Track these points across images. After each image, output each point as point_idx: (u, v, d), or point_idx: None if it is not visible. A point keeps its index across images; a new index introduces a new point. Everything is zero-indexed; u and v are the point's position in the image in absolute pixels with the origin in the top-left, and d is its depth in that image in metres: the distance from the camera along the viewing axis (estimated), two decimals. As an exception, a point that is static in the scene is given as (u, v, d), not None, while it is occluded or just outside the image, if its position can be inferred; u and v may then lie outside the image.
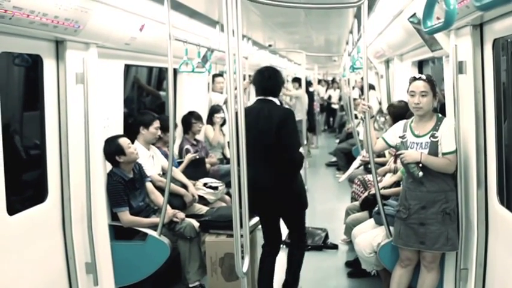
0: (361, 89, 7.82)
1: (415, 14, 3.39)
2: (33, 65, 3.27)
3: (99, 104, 3.52)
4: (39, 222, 3.10)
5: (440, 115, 3.23)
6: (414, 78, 3.20)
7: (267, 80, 3.61)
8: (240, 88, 2.30)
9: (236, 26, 2.22)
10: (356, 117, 7.50)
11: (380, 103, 7.06)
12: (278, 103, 3.62)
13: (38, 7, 2.53)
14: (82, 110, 3.28)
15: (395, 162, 3.61)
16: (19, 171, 3.69)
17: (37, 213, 3.09)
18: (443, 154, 3.09)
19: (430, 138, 3.13)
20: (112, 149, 3.73)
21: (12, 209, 2.82)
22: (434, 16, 1.26)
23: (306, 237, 4.05)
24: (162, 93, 6.72)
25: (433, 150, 3.10)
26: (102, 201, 3.58)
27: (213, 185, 4.73)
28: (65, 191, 3.28)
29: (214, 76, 6.53)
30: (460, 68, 2.98)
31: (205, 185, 4.70)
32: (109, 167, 3.80)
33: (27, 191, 3.62)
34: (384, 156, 5.10)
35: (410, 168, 3.12)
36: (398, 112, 4.16)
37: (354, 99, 8.18)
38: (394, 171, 4.24)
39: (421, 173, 3.07)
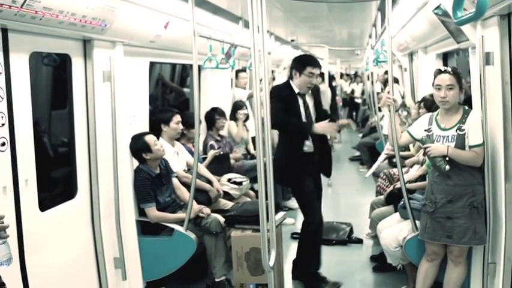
0: (384, 82, 7.75)
1: (440, 5, 3.35)
2: (61, 64, 3.34)
3: (126, 102, 3.58)
4: (69, 218, 3.18)
5: (466, 107, 3.19)
6: (440, 71, 3.16)
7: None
8: (266, 83, 2.31)
9: (261, 22, 2.22)
10: (380, 110, 7.44)
11: (403, 97, 6.99)
12: (291, 83, 3.98)
13: (67, 7, 2.59)
14: (109, 107, 3.34)
15: (424, 154, 3.59)
16: (50, 168, 3.76)
17: (67, 209, 3.16)
18: (470, 147, 3.06)
19: (456, 131, 3.09)
20: (138, 146, 3.78)
21: (44, 205, 2.89)
22: (463, 6, 1.25)
23: (308, 224, 4.01)
24: (185, 89, 6.77)
25: (460, 143, 3.07)
26: (129, 197, 3.64)
27: (237, 180, 4.75)
28: (93, 188, 3.36)
29: (238, 72, 6.55)
30: (487, 59, 2.94)
31: (229, 180, 4.73)
32: (135, 163, 3.86)
33: (57, 188, 3.70)
34: (409, 149, 5.06)
35: (436, 161, 3.09)
36: (432, 105, 4.07)
37: (377, 93, 8.11)
38: (422, 163, 4.21)
39: (447, 167, 3.04)
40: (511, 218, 2.95)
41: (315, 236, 4.03)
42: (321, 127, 3.86)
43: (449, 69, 3.15)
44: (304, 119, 3.93)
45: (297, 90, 3.93)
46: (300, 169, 3.91)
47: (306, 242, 4.09)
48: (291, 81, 3.97)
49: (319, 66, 3.99)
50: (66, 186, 3.39)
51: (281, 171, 3.65)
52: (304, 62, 3.93)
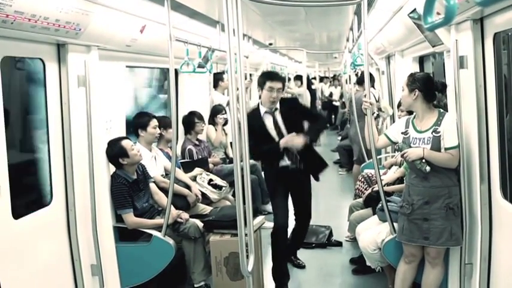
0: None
1: (415, 9, 3.39)
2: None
3: (101, 106, 3.53)
4: (44, 225, 3.11)
5: (442, 110, 3.23)
6: None
7: None
8: (242, 87, 2.31)
9: (237, 26, 2.22)
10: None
11: (377, 100, 6.99)
12: (259, 103, 4.02)
13: (39, 11, 2.54)
14: (84, 112, 3.29)
15: (402, 156, 3.64)
16: (23, 175, 3.69)
17: (42, 217, 3.10)
18: (446, 149, 3.10)
19: (432, 133, 3.13)
20: (115, 152, 3.74)
21: (17, 212, 2.83)
22: (434, 12, 1.26)
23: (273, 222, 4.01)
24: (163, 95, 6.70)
25: (436, 145, 3.11)
26: (106, 203, 3.59)
27: (218, 183, 4.74)
28: (69, 194, 3.30)
29: (222, 74, 6.52)
30: (461, 62, 2.98)
31: (210, 182, 4.71)
32: (112, 168, 3.81)
33: (31, 194, 3.62)
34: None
35: (417, 164, 3.12)
36: None
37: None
38: (400, 165, 4.25)
39: (428, 168, 3.08)
40: (486, 218, 2.99)
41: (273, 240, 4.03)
42: (285, 141, 3.81)
43: (413, 72, 3.32)
44: (275, 136, 3.89)
45: (263, 110, 3.93)
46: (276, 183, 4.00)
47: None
48: (259, 102, 4.01)
49: (280, 80, 3.95)
50: (41, 193, 3.32)
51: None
52: (263, 77, 3.97)
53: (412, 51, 5.24)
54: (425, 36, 3.65)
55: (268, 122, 3.92)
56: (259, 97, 4.03)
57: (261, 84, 3.94)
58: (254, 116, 3.88)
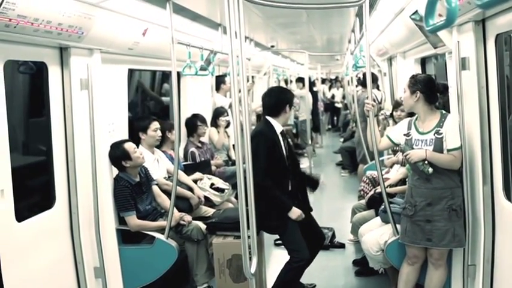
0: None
1: (416, 11, 3.39)
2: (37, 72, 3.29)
3: (104, 109, 3.54)
4: (48, 228, 3.12)
5: (444, 111, 3.24)
6: None
7: (264, 98, 3.71)
8: (244, 89, 2.31)
9: (239, 28, 2.23)
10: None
11: (380, 102, 6.99)
12: (272, 122, 3.57)
13: (42, 15, 2.56)
14: (87, 115, 3.30)
15: (401, 153, 3.64)
16: (27, 178, 3.70)
17: (45, 219, 3.11)
18: (448, 150, 3.10)
19: (434, 135, 3.13)
20: (118, 154, 3.74)
21: (21, 215, 2.84)
22: (436, 14, 1.26)
23: (294, 259, 3.62)
24: (164, 98, 6.72)
25: (438, 146, 3.11)
26: (109, 206, 3.60)
27: (220, 186, 4.73)
28: (72, 197, 3.31)
29: (223, 76, 6.53)
30: (463, 64, 2.99)
31: (212, 185, 4.71)
32: (115, 171, 3.82)
33: (34, 197, 3.64)
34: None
35: (419, 166, 3.12)
36: None
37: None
38: (402, 163, 4.24)
39: (431, 169, 3.08)
40: (489, 220, 2.99)
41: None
42: (295, 214, 3.54)
43: (414, 74, 3.33)
44: (286, 160, 3.60)
45: (279, 129, 3.57)
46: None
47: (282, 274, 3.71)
48: (270, 120, 3.57)
49: None
50: (44, 196, 3.33)
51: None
52: (290, 95, 3.71)
53: (414, 52, 5.25)
54: (427, 37, 3.65)
55: (282, 144, 3.58)
56: (274, 115, 3.57)
57: (290, 102, 3.61)
58: (274, 137, 3.53)
